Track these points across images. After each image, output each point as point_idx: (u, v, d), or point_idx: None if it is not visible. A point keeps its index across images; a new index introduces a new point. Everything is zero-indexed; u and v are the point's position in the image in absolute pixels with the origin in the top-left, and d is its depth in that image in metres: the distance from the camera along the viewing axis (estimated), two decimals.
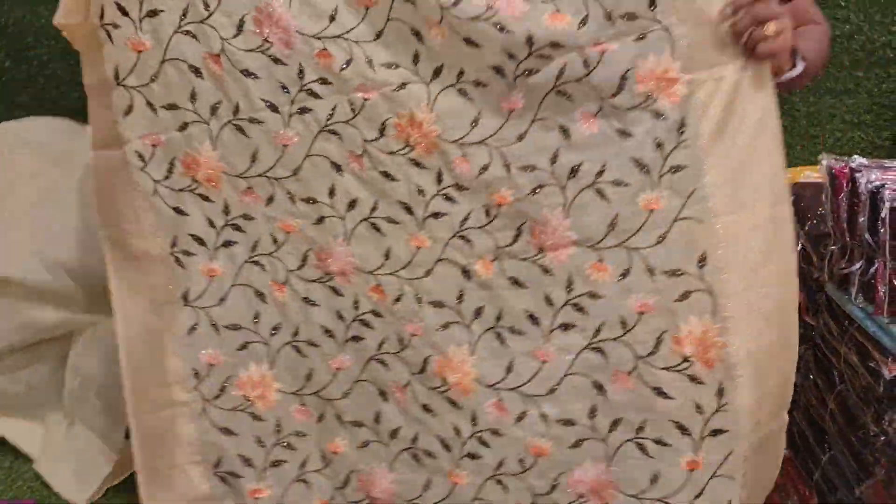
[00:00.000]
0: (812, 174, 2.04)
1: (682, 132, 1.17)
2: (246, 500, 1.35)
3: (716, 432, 1.21)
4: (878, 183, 1.32)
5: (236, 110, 1.25)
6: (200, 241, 1.31)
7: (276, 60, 1.23)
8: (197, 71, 1.24)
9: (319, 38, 1.21)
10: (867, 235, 1.34)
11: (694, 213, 1.18)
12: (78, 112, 2.23)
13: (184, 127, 1.26)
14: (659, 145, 1.17)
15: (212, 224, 1.31)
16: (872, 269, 1.34)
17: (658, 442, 1.23)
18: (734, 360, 1.19)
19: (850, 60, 2.03)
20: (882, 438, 1.33)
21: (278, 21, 1.21)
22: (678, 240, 1.18)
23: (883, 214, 1.29)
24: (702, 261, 1.18)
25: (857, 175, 1.36)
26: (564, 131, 1.19)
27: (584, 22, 1.14)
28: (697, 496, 1.23)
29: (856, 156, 1.42)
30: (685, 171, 1.17)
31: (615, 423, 1.24)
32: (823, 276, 1.51)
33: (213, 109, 1.26)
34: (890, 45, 2.00)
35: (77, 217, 1.74)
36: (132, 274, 1.31)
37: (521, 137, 1.20)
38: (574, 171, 1.19)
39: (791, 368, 1.24)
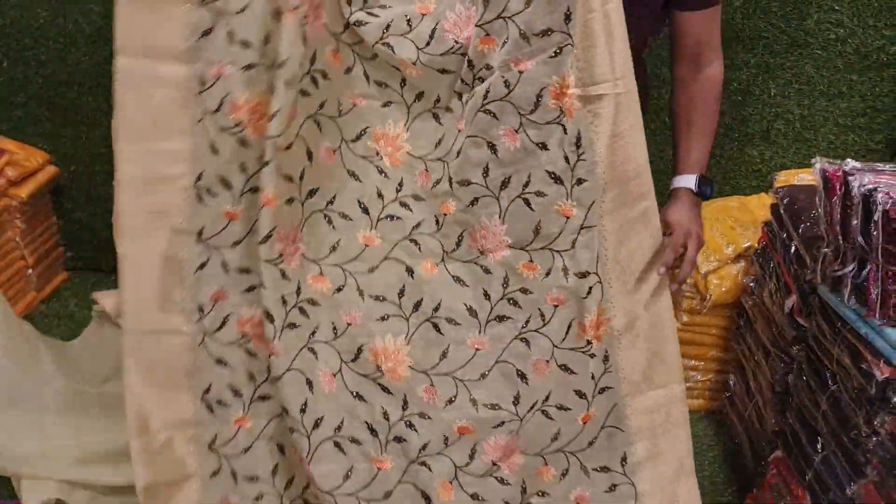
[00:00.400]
0: (806, 177, 2.06)
1: (579, 146, 1.28)
2: (230, 427, 1.35)
3: (603, 390, 1.36)
4: (870, 186, 1.33)
5: (281, 65, 1.25)
6: (227, 184, 1.29)
7: (304, 40, 1.25)
8: (277, 14, 1.23)
9: (336, 38, 1.26)
10: (860, 238, 1.35)
11: (593, 221, 1.31)
12: (74, 111, 2.24)
13: (249, 67, 1.25)
14: (566, 159, 1.29)
15: (244, 169, 1.29)
16: (865, 272, 1.35)
17: (560, 407, 1.35)
18: (616, 330, 1.35)
19: (844, 64, 2.04)
20: (874, 439, 1.34)
21: (318, 7, 1.24)
22: (585, 245, 1.32)
23: (876, 217, 1.31)
24: (597, 259, 1.32)
25: (851, 178, 1.37)
26: (492, 147, 1.28)
27: (504, 42, 1.22)
28: (591, 443, 1.36)
29: (849, 159, 1.43)
30: (586, 184, 1.29)
31: (532, 406, 1.34)
32: (816, 278, 1.52)
33: (277, 56, 1.24)
34: (883, 49, 2.01)
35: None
36: (146, 194, 1.27)
37: (458, 154, 1.29)
38: (505, 183, 1.30)
39: (664, 331, 1.38)
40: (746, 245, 1.97)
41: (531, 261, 1.32)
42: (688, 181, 1.39)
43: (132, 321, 1.29)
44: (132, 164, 1.26)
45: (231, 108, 1.25)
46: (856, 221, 1.36)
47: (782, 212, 1.74)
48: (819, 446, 1.51)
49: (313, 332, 1.33)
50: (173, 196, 1.27)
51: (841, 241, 1.41)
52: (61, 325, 2.23)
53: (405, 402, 1.33)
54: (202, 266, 1.30)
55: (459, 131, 1.29)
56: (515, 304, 1.33)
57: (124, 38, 1.21)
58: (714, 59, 1.41)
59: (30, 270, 2.25)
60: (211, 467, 1.34)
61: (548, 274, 1.32)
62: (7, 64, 2.17)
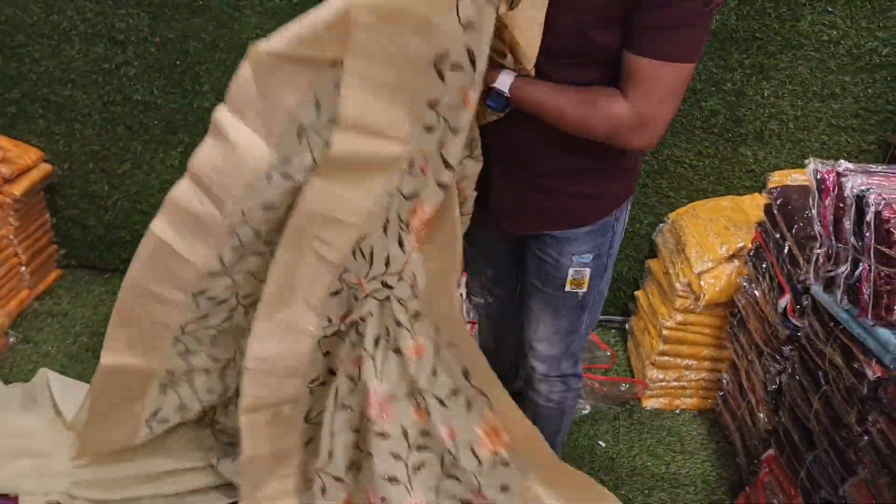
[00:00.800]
0: (799, 177, 2.07)
1: None
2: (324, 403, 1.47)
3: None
4: (863, 187, 1.34)
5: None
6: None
7: None
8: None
9: None
10: (852, 239, 1.36)
11: None
12: (68, 108, 2.23)
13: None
14: None
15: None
16: (857, 272, 1.36)
17: None
18: None
19: (837, 65, 2.05)
20: (865, 438, 1.35)
21: None
22: None
23: (868, 218, 1.31)
24: None
25: (844, 179, 1.38)
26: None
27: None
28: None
29: (842, 160, 1.43)
30: None
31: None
32: (809, 279, 1.53)
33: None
34: (876, 51, 2.02)
35: None
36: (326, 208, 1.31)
37: None
38: None
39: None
40: (740, 245, 1.98)
41: None
42: (503, 82, 1.21)
43: (270, 306, 1.36)
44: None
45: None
46: (848, 222, 1.36)
47: (776, 212, 1.75)
48: (811, 445, 1.52)
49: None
50: (340, 239, 1.33)
51: (834, 242, 1.42)
52: (54, 323, 2.22)
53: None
54: (337, 293, 1.39)
55: None
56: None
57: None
58: (633, 107, 1.17)
59: (23, 268, 2.24)
60: (306, 436, 1.52)
61: None
62: (1, 61, 2.16)
